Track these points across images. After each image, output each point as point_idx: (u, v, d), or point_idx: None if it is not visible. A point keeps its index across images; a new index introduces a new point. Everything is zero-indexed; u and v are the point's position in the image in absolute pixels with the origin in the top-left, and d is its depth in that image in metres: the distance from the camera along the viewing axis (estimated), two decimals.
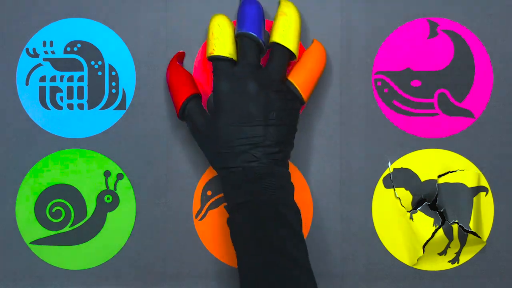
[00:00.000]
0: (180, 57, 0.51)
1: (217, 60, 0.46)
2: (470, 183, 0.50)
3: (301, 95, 0.47)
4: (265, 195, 0.44)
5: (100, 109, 0.51)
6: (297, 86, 0.47)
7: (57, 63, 0.51)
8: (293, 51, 0.47)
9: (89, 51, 0.51)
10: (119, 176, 0.51)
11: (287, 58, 0.47)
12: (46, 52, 0.51)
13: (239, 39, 0.47)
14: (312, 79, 0.48)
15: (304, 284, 0.42)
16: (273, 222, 0.43)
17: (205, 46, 0.51)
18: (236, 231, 0.45)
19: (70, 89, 0.51)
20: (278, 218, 0.44)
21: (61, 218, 0.51)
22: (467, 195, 0.50)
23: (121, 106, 0.51)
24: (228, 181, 0.45)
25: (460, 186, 0.50)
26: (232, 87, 0.45)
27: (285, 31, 0.47)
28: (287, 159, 0.46)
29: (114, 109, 0.51)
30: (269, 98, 0.45)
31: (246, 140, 0.44)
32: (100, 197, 0.51)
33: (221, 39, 0.47)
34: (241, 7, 0.48)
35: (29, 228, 0.51)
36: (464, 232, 0.49)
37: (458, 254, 0.51)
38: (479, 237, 0.50)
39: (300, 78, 0.47)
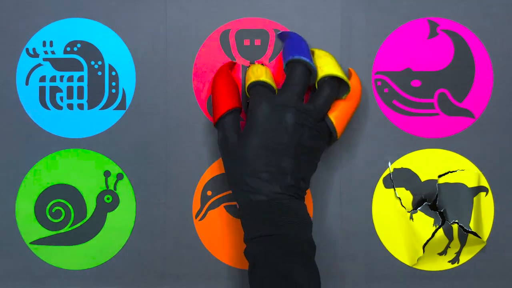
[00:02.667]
0: (231, 65, 0.50)
1: (256, 85, 0.46)
2: (470, 183, 0.50)
3: (336, 132, 0.47)
4: (289, 230, 0.43)
5: (100, 109, 0.51)
6: (334, 123, 0.46)
7: (57, 63, 0.51)
8: (347, 82, 0.46)
9: (89, 51, 0.51)
10: (119, 176, 0.51)
11: (335, 93, 0.46)
12: (46, 52, 0.51)
13: (290, 65, 0.46)
14: (347, 116, 0.47)
15: None
16: (294, 257, 0.43)
17: (205, 45, 0.51)
18: (255, 263, 0.44)
19: (70, 89, 0.51)
20: (299, 253, 0.43)
21: (61, 218, 0.51)
22: (467, 195, 0.50)
23: (121, 106, 0.51)
24: (251, 211, 0.44)
25: (460, 186, 0.50)
26: (271, 112, 0.44)
27: (334, 65, 0.46)
28: (305, 195, 0.46)
29: (114, 109, 0.51)
30: (303, 134, 0.44)
31: (272, 169, 0.44)
32: (100, 197, 0.51)
33: (259, 71, 0.47)
34: (288, 38, 0.48)
35: (29, 228, 0.51)
36: (464, 232, 0.49)
37: (458, 254, 0.51)
38: (479, 237, 0.50)
39: (338, 115, 0.47)
